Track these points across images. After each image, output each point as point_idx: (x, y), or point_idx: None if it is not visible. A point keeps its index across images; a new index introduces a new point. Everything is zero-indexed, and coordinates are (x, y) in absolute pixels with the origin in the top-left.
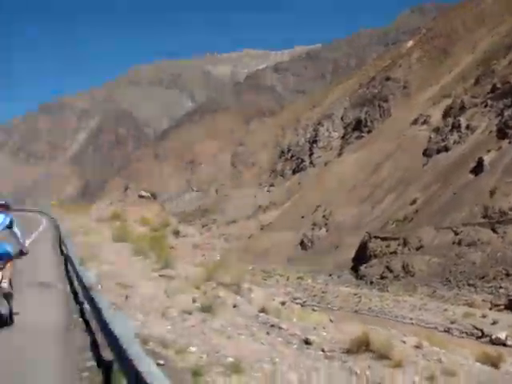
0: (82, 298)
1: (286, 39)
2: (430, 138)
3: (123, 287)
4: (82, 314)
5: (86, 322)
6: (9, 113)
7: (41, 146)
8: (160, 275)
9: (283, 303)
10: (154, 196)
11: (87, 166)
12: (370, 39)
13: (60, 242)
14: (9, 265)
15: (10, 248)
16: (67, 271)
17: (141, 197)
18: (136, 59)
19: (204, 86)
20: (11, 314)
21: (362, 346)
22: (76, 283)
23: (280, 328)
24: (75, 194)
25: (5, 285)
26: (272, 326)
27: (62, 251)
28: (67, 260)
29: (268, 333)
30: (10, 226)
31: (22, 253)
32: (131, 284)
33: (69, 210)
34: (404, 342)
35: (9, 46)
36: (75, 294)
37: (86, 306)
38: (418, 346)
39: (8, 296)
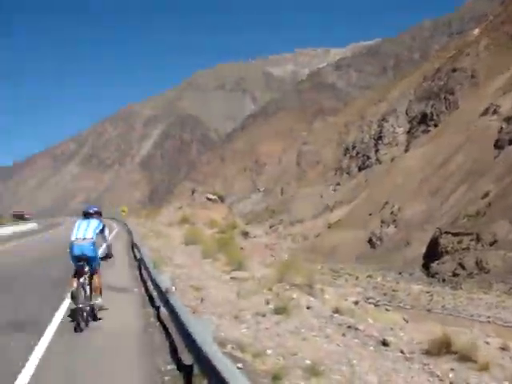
0: (157, 302)
1: (346, 36)
2: (502, 128)
3: (196, 290)
4: (159, 317)
5: (163, 325)
6: (79, 124)
7: (110, 154)
8: (231, 277)
9: (356, 303)
10: (221, 198)
11: (155, 171)
12: (432, 30)
13: (132, 247)
14: (96, 275)
15: (97, 252)
16: (141, 275)
17: (208, 199)
18: (199, 64)
19: (266, 87)
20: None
21: (442, 347)
22: (151, 287)
23: (356, 329)
24: (144, 199)
25: (98, 301)
26: (348, 327)
27: (135, 255)
28: (141, 264)
29: (344, 334)
30: (102, 231)
31: (107, 256)
32: (204, 286)
33: (139, 215)
34: (487, 343)
35: (78, 57)
36: (150, 297)
37: (163, 310)
38: (503, 348)
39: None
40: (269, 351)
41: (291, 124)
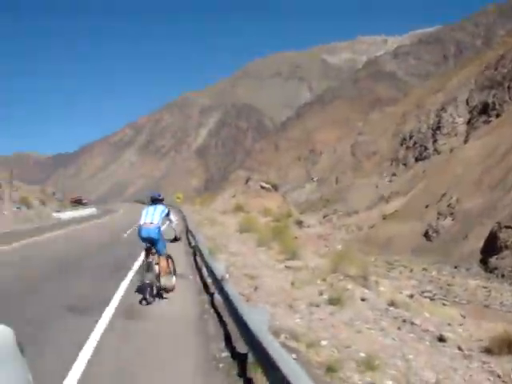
0: (212, 289)
1: (404, 23)
2: None
3: (250, 278)
4: (213, 304)
5: (218, 313)
6: (137, 111)
7: (166, 142)
8: (285, 266)
9: (411, 296)
10: (274, 187)
11: (211, 159)
12: (497, 16)
13: (187, 233)
14: (162, 257)
15: (161, 235)
16: (196, 262)
17: (262, 188)
18: (254, 53)
19: (322, 75)
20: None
21: (504, 345)
22: (205, 274)
23: (412, 323)
24: (200, 186)
25: (163, 281)
26: (404, 320)
27: (189, 242)
28: (196, 250)
29: (399, 328)
30: (167, 215)
31: (175, 239)
32: (258, 275)
33: (194, 202)
34: None
35: (137, 48)
36: (205, 284)
37: (217, 297)
38: None
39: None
40: (323, 342)
41: (347, 113)
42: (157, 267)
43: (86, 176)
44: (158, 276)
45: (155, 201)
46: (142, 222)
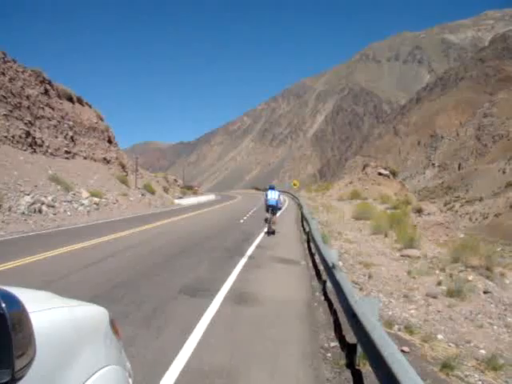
0: (324, 276)
1: None
2: None
3: (364, 266)
4: (324, 291)
5: (328, 300)
6: (255, 99)
7: (283, 129)
8: (402, 255)
9: None
10: (393, 173)
11: (327, 146)
12: None
13: (302, 220)
14: (275, 217)
15: (278, 205)
16: (309, 248)
17: (380, 174)
18: (372, 36)
19: (443, 56)
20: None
21: None
22: (318, 261)
23: None
24: (315, 173)
25: (275, 227)
26: None
27: (304, 228)
28: (309, 237)
29: None
30: (279, 196)
31: (279, 208)
32: (373, 263)
33: (309, 189)
34: None
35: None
36: (317, 271)
37: (329, 285)
38: None
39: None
40: (439, 336)
41: (471, 95)
42: (273, 220)
43: (206, 163)
44: (272, 224)
45: (271, 188)
46: (269, 197)
